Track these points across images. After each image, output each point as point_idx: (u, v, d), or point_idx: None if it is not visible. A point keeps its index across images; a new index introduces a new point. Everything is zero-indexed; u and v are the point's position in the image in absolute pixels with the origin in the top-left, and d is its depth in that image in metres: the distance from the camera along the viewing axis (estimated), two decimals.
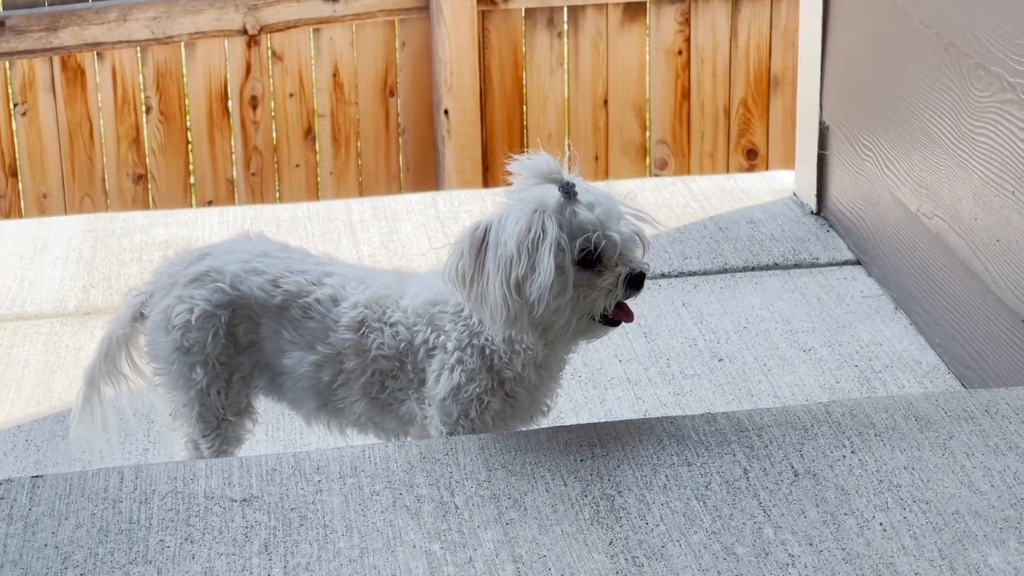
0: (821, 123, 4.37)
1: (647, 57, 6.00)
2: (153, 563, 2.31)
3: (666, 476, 2.51)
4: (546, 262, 2.52)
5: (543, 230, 2.53)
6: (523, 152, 2.65)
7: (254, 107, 5.90)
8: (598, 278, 2.57)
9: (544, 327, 2.59)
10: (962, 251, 3.52)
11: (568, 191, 2.57)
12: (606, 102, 6.02)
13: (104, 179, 5.86)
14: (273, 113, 5.92)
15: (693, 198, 4.65)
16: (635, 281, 2.59)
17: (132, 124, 5.83)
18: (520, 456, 2.57)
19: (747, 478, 2.51)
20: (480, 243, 2.58)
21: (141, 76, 5.80)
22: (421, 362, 2.71)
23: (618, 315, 2.62)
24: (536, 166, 2.61)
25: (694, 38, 5.99)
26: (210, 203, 5.89)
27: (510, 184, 2.64)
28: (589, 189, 2.62)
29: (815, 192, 4.47)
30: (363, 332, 2.73)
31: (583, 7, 5.91)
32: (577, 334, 2.63)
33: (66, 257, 4.38)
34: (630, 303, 2.63)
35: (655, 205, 4.58)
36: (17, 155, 5.80)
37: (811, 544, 2.34)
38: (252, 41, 5.84)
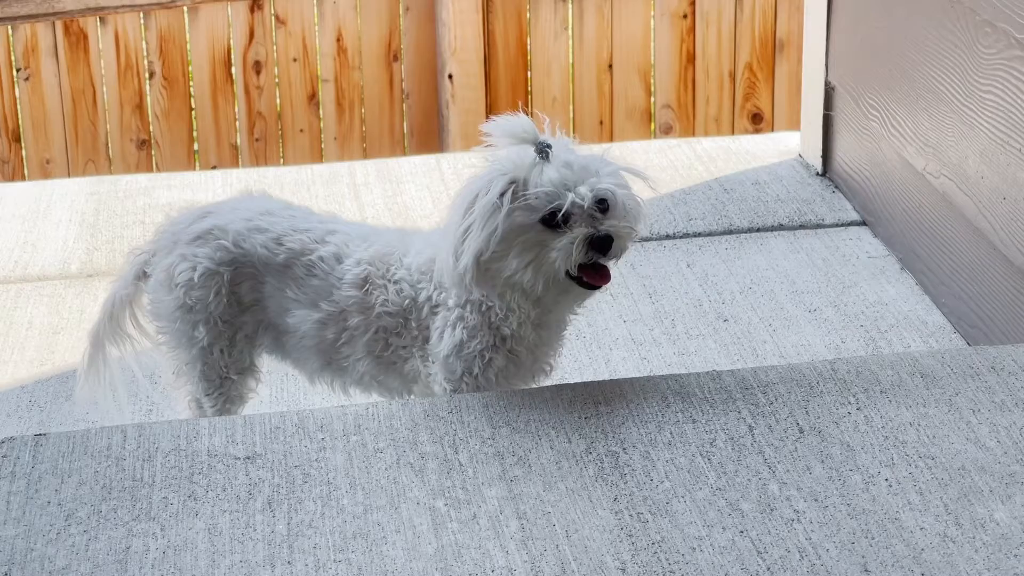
0: (827, 83, 4.35)
1: (652, 21, 5.97)
2: (156, 520, 2.30)
3: (671, 433, 2.51)
4: (477, 224, 2.50)
5: (486, 194, 2.51)
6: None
7: (257, 72, 5.88)
8: (557, 238, 2.53)
9: (513, 287, 2.58)
10: (969, 210, 3.50)
11: (542, 150, 2.54)
12: (611, 67, 5.99)
13: (107, 144, 5.85)
14: (277, 78, 5.90)
15: (698, 160, 4.64)
16: (598, 244, 2.52)
17: (135, 89, 5.81)
18: (524, 413, 2.56)
19: (752, 435, 2.50)
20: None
21: (144, 41, 5.78)
22: (425, 319, 2.70)
23: (590, 277, 2.56)
24: (510, 127, 2.57)
25: (699, 2, 5.95)
26: (214, 168, 5.87)
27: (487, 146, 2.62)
28: (573, 151, 2.58)
29: (820, 153, 4.45)
30: (367, 289, 2.72)
31: None
32: (560, 295, 2.60)
33: (69, 219, 4.37)
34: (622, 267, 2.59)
35: (660, 167, 4.56)
36: (20, 121, 5.78)
37: (816, 500, 2.33)
38: (255, 6, 5.81)
